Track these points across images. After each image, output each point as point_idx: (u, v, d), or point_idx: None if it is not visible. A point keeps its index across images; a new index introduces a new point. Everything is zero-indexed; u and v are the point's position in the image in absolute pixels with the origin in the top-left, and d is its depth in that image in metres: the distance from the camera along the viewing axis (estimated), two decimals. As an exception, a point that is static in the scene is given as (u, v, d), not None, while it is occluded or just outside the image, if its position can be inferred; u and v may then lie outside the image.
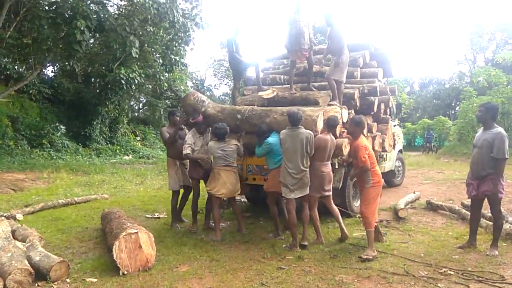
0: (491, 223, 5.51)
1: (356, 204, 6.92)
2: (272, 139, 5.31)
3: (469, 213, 6.06)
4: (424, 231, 5.72)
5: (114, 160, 16.22)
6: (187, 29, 15.69)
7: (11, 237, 4.60)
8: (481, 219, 5.81)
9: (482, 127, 4.85)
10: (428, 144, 25.70)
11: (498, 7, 57.34)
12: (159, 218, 6.84)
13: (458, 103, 29.53)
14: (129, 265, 4.25)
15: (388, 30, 68.16)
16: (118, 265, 4.17)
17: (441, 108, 37.13)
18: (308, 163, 5.05)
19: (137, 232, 4.36)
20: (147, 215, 7.00)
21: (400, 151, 10.19)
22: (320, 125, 5.33)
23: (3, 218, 4.98)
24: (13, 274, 3.77)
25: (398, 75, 32.49)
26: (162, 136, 6.28)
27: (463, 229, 5.64)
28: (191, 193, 6.19)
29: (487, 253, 4.65)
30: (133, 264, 4.29)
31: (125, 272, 4.17)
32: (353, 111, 6.66)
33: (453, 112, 31.78)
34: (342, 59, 6.37)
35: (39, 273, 4.00)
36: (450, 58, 39.58)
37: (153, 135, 23.33)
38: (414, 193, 8.18)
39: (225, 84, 33.13)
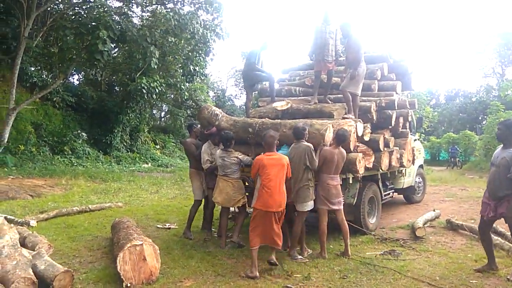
0: (514, 246, 5.22)
1: (372, 221, 6.70)
2: (282, 151, 5.25)
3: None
4: (442, 252, 5.44)
5: (133, 168, 16.40)
6: (207, 39, 15.84)
7: (18, 244, 4.61)
8: (504, 241, 5.52)
9: (502, 145, 4.58)
10: (452, 159, 24.92)
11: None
12: (169, 228, 6.78)
13: (485, 117, 28.62)
14: (132, 277, 4.19)
15: (415, 41, 67.29)
16: (122, 277, 4.11)
17: (467, 122, 36.02)
18: (310, 177, 5.03)
19: (142, 244, 4.30)
20: (158, 225, 6.96)
21: (421, 166, 9.85)
22: (328, 138, 5.24)
23: (12, 225, 5.01)
24: (16, 282, 3.74)
25: (422, 87, 31.89)
26: (189, 149, 6.38)
27: (483, 251, 5.32)
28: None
29: (508, 277, 4.36)
30: (137, 277, 4.22)
31: (129, 285, 4.11)
32: (369, 125, 6.49)
33: (479, 126, 30.75)
34: (358, 71, 6.24)
35: (44, 283, 3.97)
36: (477, 70, 38.68)
37: (172, 143, 23.55)
38: (434, 210, 7.86)
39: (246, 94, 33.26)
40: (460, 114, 37.84)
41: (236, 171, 5.58)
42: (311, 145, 5.04)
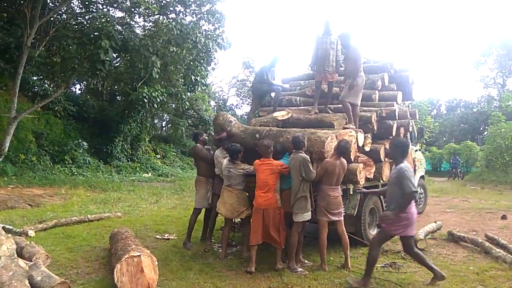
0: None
1: (373, 232, 6.61)
2: (283, 160, 5.29)
3: (493, 246, 5.74)
4: (443, 264, 5.37)
5: (134, 178, 16.35)
6: (209, 49, 15.91)
7: (15, 255, 4.56)
8: (506, 254, 5.45)
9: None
10: (454, 170, 24.82)
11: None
12: (168, 239, 6.72)
13: (486, 127, 28.55)
14: (130, 289, 4.13)
15: (416, 50, 67.61)
16: (119, 289, 4.06)
17: (468, 133, 35.91)
18: (306, 188, 5.04)
19: (139, 255, 4.25)
20: (157, 236, 6.91)
21: (422, 177, 9.81)
22: (329, 146, 5.22)
23: (9, 235, 4.96)
24: (11, 294, 3.70)
25: (423, 97, 31.88)
26: (201, 154, 6.37)
27: (486, 264, 5.27)
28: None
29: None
30: (134, 288, 4.16)
31: (126, 297, 4.05)
32: (370, 135, 6.46)
33: (481, 137, 30.69)
34: (357, 81, 6.25)
35: (39, 294, 3.92)
36: (478, 81, 38.59)
37: (173, 153, 23.54)
38: (435, 222, 7.78)
39: (247, 104, 33.38)
40: (462, 125, 37.74)
41: (242, 182, 5.62)
42: (307, 156, 5.04)
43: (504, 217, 8.68)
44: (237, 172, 5.52)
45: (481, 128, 35.28)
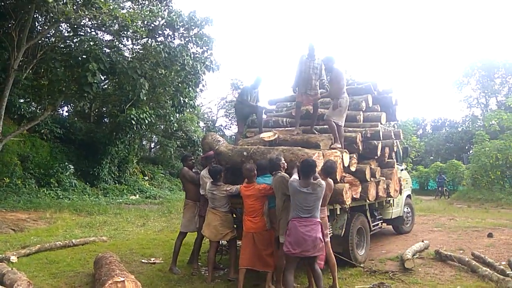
0: (503, 277, 5.18)
1: (360, 252, 6.64)
2: (265, 179, 5.30)
3: (479, 265, 5.78)
4: (431, 284, 5.38)
5: (121, 200, 16.14)
6: (197, 71, 16.03)
7: (-4, 282, 4.46)
8: (493, 272, 5.49)
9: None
10: (440, 188, 25.09)
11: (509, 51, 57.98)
12: (154, 263, 6.62)
13: (471, 146, 29.06)
14: (113, 316, 4.05)
15: (400, 70, 69.15)
16: (102, 315, 3.97)
17: (454, 152, 36.44)
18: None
19: (123, 281, 4.19)
20: (143, 260, 6.79)
21: (409, 196, 9.88)
22: (317, 162, 5.26)
23: (-10, 262, 4.86)
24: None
25: (408, 117, 32.49)
26: (187, 175, 6.37)
27: (472, 283, 5.30)
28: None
29: None
30: (118, 315, 4.08)
31: (109, 324, 3.96)
32: (355, 155, 6.55)
33: (466, 155, 31.17)
34: (341, 103, 6.41)
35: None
36: (462, 101, 39.56)
37: (161, 174, 23.36)
38: (423, 241, 7.82)
39: (236, 125, 33.44)
40: (447, 144, 38.35)
41: (225, 204, 5.62)
42: (286, 175, 5.03)
43: (490, 235, 8.76)
44: (220, 194, 5.53)
45: (466, 147, 35.86)
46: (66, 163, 16.30)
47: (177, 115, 19.62)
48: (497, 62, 36.98)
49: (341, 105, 6.42)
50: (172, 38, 15.55)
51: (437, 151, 39.09)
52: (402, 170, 9.21)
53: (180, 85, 16.82)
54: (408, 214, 9.68)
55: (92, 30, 15.29)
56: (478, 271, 5.66)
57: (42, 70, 15.22)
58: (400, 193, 8.19)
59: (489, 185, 20.40)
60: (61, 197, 14.32)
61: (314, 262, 4.67)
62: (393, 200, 8.10)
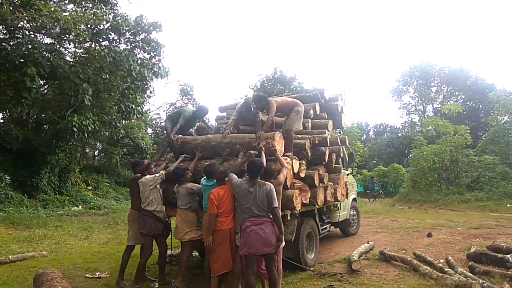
0: (442, 274, 5.51)
1: (310, 256, 6.78)
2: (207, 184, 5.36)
3: (420, 263, 6.10)
4: (376, 284, 5.61)
5: (62, 212, 15.22)
6: (144, 77, 15.63)
7: None
8: (433, 270, 5.82)
9: None
10: (371, 192, 26.34)
11: (444, 61, 62.68)
12: (100, 277, 6.31)
13: (410, 151, 30.84)
14: (55, 336, 3.80)
15: (345, 75, 72.25)
16: (42, 337, 3.72)
17: (395, 156, 38.51)
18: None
19: (66, 298, 3.94)
20: (87, 275, 6.45)
21: (354, 199, 10.27)
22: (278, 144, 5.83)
23: None
24: None
25: (353, 121, 33.92)
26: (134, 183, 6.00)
27: (415, 281, 5.58)
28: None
29: None
30: (61, 335, 3.84)
31: None
32: (304, 161, 6.68)
33: (406, 159, 33.07)
34: (298, 109, 6.57)
35: None
36: (401, 107, 42.42)
37: (106, 184, 22.35)
38: (368, 242, 8.16)
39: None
40: (389, 148, 40.48)
41: (187, 203, 5.61)
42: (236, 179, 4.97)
43: (429, 235, 9.31)
44: (182, 192, 5.60)
45: (406, 151, 38.05)
46: (1, 174, 15.11)
47: (124, 121, 18.96)
48: (432, 72, 39.76)
49: (299, 112, 6.62)
50: (118, 43, 15.09)
51: (379, 155, 41.13)
52: (348, 174, 9.56)
53: (126, 91, 16.31)
54: (354, 217, 10.07)
55: (31, 32, 14.41)
56: (420, 269, 5.98)
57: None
58: (347, 197, 8.50)
59: (427, 187, 21.75)
60: (-5, 210, 13.25)
61: (271, 263, 4.64)
62: (340, 203, 8.38)
